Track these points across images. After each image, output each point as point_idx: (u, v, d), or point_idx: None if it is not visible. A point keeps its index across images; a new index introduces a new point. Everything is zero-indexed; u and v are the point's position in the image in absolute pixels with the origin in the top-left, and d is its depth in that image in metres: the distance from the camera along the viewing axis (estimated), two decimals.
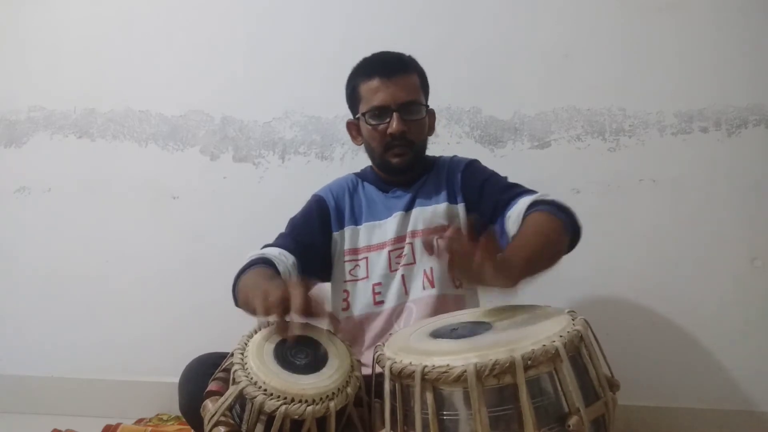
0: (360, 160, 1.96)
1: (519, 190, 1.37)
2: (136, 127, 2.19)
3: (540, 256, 1.08)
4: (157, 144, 2.17)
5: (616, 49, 1.93)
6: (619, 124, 1.91)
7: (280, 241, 1.44)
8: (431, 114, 1.55)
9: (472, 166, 1.53)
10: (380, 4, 2.08)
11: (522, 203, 1.28)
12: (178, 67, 2.18)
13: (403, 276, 1.42)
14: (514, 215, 1.28)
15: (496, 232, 1.35)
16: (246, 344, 1.02)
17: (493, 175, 1.48)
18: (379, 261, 1.45)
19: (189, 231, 2.12)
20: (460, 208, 1.46)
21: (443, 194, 1.48)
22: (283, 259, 1.37)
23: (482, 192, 1.43)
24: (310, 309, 0.99)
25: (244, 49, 2.14)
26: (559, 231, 1.18)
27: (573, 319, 0.90)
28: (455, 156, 1.59)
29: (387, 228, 1.47)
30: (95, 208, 2.17)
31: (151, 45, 2.19)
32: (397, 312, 1.41)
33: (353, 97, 1.50)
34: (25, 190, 2.21)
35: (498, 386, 0.80)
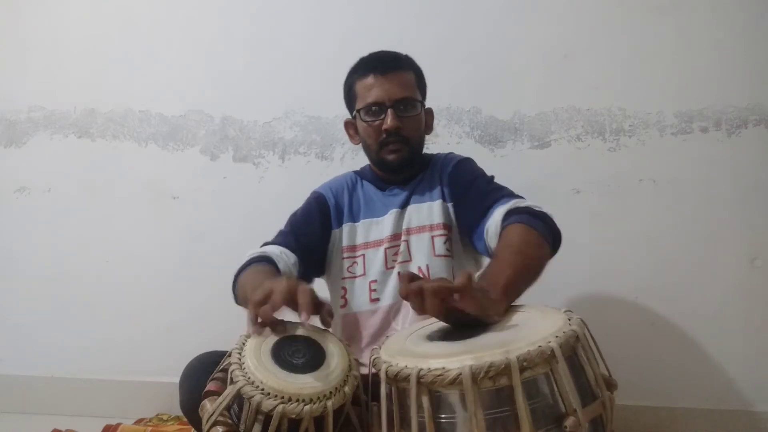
0: (360, 160, 1.96)
1: (496, 197, 1.33)
2: (136, 127, 2.19)
3: (519, 277, 1.07)
4: (157, 144, 2.17)
5: (616, 49, 1.93)
6: (619, 124, 1.91)
7: (281, 239, 1.44)
8: (429, 113, 1.54)
9: (462, 165, 1.51)
10: (380, 4, 2.08)
11: (497, 214, 1.26)
12: (178, 67, 2.18)
13: (399, 273, 1.41)
14: (492, 228, 1.27)
15: (477, 240, 1.36)
16: (244, 344, 1.02)
17: (478, 178, 1.45)
18: (376, 258, 1.45)
19: (189, 231, 2.13)
20: (450, 207, 1.46)
21: (437, 191, 1.47)
22: (285, 257, 1.38)
23: (466, 196, 1.42)
24: (294, 298, 1.01)
25: (244, 49, 2.15)
26: (537, 243, 1.17)
27: (569, 319, 0.90)
28: (450, 153, 1.57)
29: (384, 225, 1.48)
30: (95, 208, 2.17)
31: (151, 45, 2.20)
32: (394, 310, 1.41)
33: (350, 96, 1.51)
34: (25, 190, 2.22)
35: (494, 388, 0.80)
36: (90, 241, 2.17)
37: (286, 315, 1.06)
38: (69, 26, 2.25)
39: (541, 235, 1.18)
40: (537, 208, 1.24)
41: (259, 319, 1.03)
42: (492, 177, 1.47)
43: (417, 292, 0.92)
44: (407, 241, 1.44)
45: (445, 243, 1.42)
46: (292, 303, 1.01)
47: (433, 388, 0.83)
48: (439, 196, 1.47)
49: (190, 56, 2.18)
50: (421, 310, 0.92)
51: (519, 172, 1.91)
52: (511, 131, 1.98)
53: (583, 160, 1.93)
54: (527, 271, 1.10)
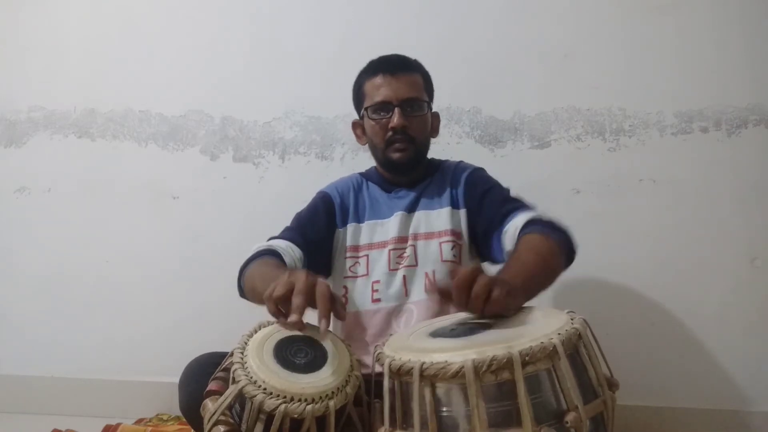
0: (360, 160, 1.97)
1: (517, 205, 1.37)
2: (136, 127, 2.19)
3: (536, 278, 1.09)
4: (157, 144, 2.17)
5: (616, 49, 1.93)
6: (619, 124, 1.91)
7: (288, 234, 1.45)
8: (435, 116, 1.57)
9: (476, 173, 1.53)
10: (380, 4, 2.08)
11: (519, 219, 1.29)
12: (178, 67, 2.18)
13: (404, 276, 1.42)
14: (510, 231, 1.30)
15: (493, 245, 1.38)
16: (246, 343, 1.02)
17: (495, 186, 1.48)
18: (379, 259, 1.46)
19: (189, 231, 2.12)
20: (462, 214, 1.47)
21: (447, 198, 1.49)
22: (291, 252, 1.39)
23: (482, 202, 1.44)
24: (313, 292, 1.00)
25: (244, 49, 2.15)
26: (555, 252, 1.19)
27: (572, 319, 0.91)
28: (461, 162, 1.60)
29: (389, 227, 1.48)
30: (95, 208, 2.17)
31: (151, 45, 2.20)
32: (396, 312, 1.41)
33: (358, 96, 1.53)
34: (25, 190, 2.21)
35: (496, 382, 0.80)
36: (90, 241, 2.16)
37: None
38: (69, 26, 2.25)
39: (559, 246, 1.21)
40: (558, 222, 1.27)
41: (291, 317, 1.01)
42: (508, 189, 1.49)
43: (463, 287, 0.93)
44: (414, 246, 1.45)
45: (452, 249, 1.43)
46: (311, 302, 1.01)
47: (435, 381, 0.83)
48: (448, 203, 1.48)
49: (190, 56, 2.18)
50: (464, 306, 0.95)
51: (519, 172, 1.91)
52: (511, 131, 1.98)
53: (583, 160, 1.93)
54: (543, 276, 1.13)
